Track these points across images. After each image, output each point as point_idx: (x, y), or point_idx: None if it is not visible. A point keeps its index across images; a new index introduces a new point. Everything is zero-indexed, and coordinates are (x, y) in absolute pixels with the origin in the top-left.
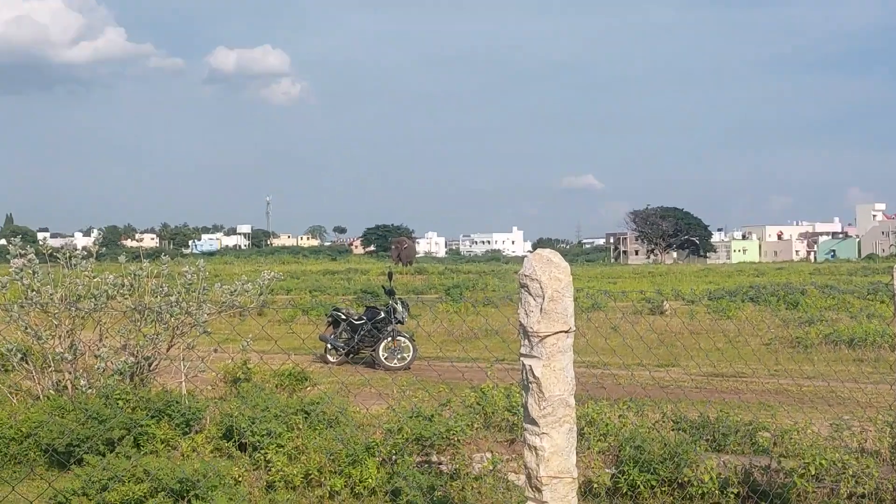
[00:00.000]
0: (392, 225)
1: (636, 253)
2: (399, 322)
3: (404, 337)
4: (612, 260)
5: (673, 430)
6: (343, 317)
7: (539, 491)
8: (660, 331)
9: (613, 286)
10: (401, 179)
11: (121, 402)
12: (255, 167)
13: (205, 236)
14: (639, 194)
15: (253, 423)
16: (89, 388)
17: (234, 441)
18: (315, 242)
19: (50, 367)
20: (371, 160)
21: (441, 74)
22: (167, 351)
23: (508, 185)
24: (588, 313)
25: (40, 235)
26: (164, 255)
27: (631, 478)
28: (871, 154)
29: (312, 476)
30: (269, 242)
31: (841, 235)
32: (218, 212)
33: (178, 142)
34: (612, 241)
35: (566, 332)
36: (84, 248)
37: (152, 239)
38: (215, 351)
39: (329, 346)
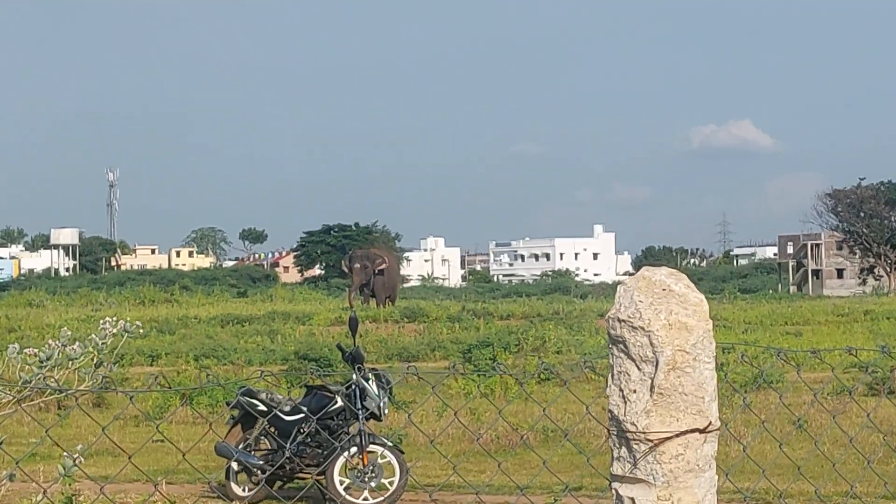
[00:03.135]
0: (356, 226)
1: (839, 274)
2: (373, 416)
3: (382, 446)
4: (793, 287)
5: None
6: (262, 407)
7: None
8: (890, 426)
9: (797, 340)
10: (374, 139)
11: None
12: (85, 119)
13: None
14: (844, 160)
15: None
16: None
17: None
18: (205, 261)
19: None
20: (315, 100)
21: None
22: None
23: (585, 142)
24: (746, 394)
25: None
26: None
27: None
28: None
29: None
30: (114, 262)
31: None
32: (12, 207)
33: None
34: (789, 249)
35: (703, 431)
36: None
37: None
38: (11, 478)
39: (236, 464)
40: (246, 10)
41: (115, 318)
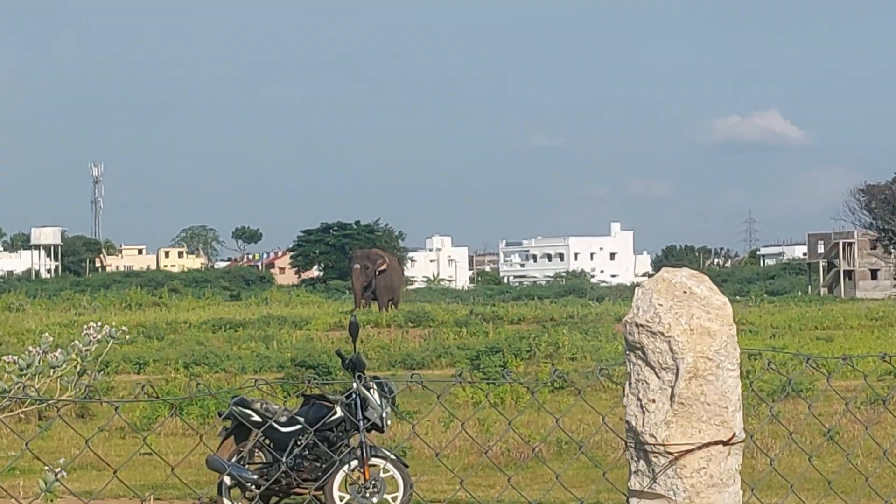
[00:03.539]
0: (356, 224)
1: (872, 275)
2: (375, 427)
3: (385, 459)
4: (823, 289)
5: None
6: (257, 418)
7: None
8: None
9: (827, 346)
10: (376, 131)
11: None
12: (67, 110)
13: None
14: (879, 153)
15: None
16: None
17: None
18: (195, 262)
19: None
20: (312, 90)
21: None
22: None
23: (601, 134)
24: (773, 403)
25: None
26: None
27: None
28: None
29: None
30: (99, 263)
31: None
32: None
33: None
34: (820, 249)
35: (726, 443)
36: None
37: None
38: None
39: (229, 479)
40: None
41: (99, 323)
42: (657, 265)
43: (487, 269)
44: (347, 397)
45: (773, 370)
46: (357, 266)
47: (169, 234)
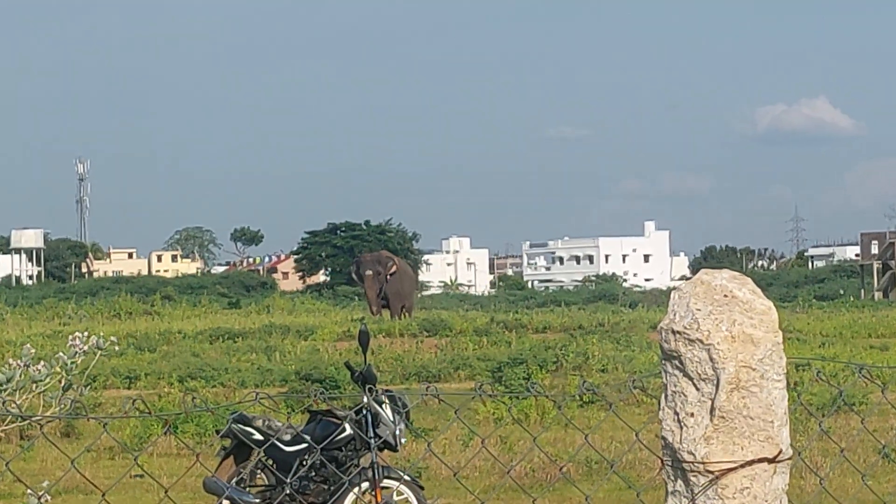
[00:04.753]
0: (366, 224)
1: None
2: (387, 445)
3: (398, 480)
4: (878, 293)
5: None
6: (258, 436)
7: None
8: None
9: (883, 355)
10: (386, 124)
11: None
12: (50, 102)
13: None
14: None
15: None
16: None
17: None
18: (191, 266)
19: None
20: (317, 81)
21: None
22: None
23: (633, 125)
24: (823, 418)
25: None
26: None
27: None
28: None
29: None
30: (85, 268)
31: None
32: None
33: None
34: (874, 249)
35: (772, 460)
36: None
37: None
38: None
39: (228, 503)
40: None
41: (86, 334)
42: (695, 267)
43: (510, 272)
44: (357, 413)
45: (822, 381)
46: (370, 272)
47: (161, 237)
